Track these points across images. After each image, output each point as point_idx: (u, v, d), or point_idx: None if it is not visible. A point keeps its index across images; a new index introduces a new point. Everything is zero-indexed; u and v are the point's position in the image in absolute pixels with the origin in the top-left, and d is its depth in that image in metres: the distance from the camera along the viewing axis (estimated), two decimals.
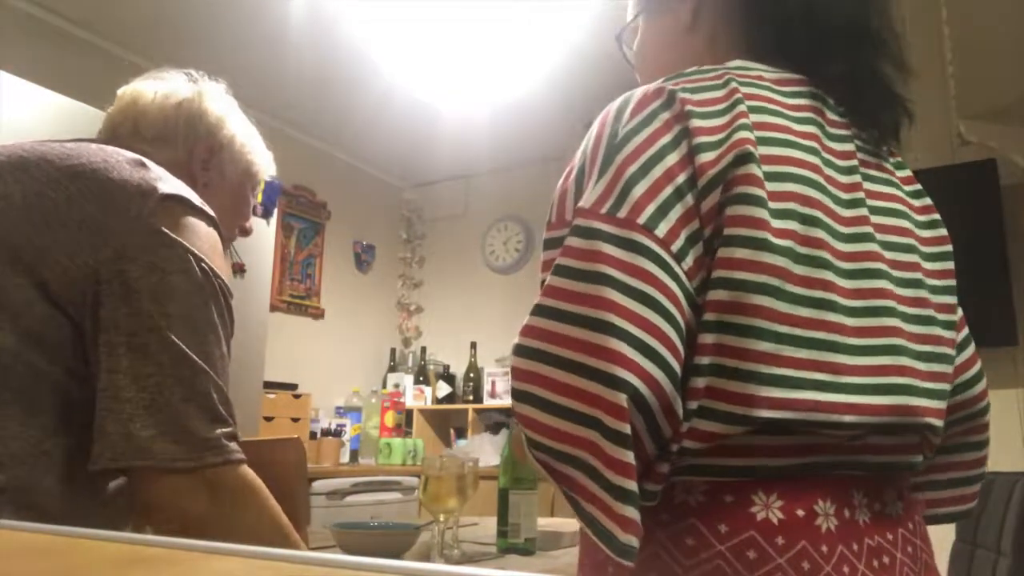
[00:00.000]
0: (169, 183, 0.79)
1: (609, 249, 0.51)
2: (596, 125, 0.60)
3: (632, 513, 0.47)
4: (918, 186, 0.68)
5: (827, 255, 0.54)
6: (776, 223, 0.52)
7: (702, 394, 0.51)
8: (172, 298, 0.73)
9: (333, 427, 3.31)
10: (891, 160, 0.66)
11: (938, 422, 0.58)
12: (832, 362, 0.53)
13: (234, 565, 0.27)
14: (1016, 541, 1.42)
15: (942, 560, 1.74)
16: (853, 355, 0.54)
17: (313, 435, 3.24)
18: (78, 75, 2.68)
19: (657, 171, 0.53)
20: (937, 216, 0.68)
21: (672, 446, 0.51)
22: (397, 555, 1.14)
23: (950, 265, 0.65)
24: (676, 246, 0.52)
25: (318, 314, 3.80)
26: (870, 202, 0.60)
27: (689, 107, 0.56)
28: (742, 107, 0.56)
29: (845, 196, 0.58)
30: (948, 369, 0.60)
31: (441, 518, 1.15)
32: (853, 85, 0.63)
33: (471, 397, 3.78)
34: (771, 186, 0.53)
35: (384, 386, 3.88)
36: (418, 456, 3.35)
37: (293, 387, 3.24)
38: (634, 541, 0.47)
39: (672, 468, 0.52)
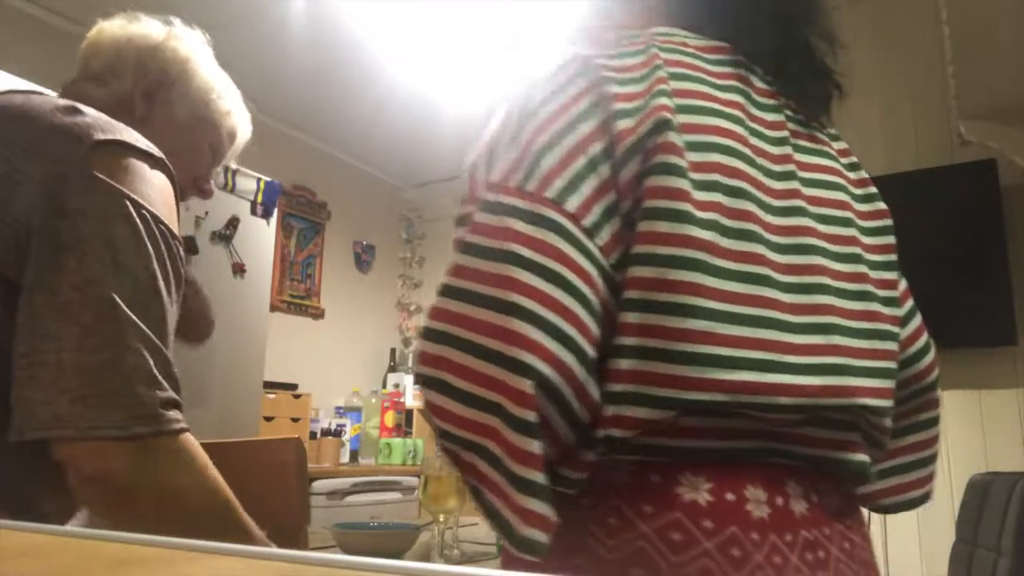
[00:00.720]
0: (105, 128, 0.72)
1: (517, 225, 0.48)
2: (509, 94, 0.57)
3: (536, 505, 0.45)
4: (854, 159, 0.65)
5: (758, 228, 0.51)
6: (699, 195, 0.50)
7: (627, 377, 0.48)
8: (105, 249, 0.66)
9: (333, 427, 3.31)
10: (827, 131, 0.64)
11: (878, 402, 0.55)
12: (768, 339, 0.49)
13: (234, 565, 0.27)
14: (1016, 541, 1.42)
15: (942, 560, 1.74)
16: (793, 333, 0.51)
17: (313, 435, 3.24)
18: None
19: (569, 141, 0.51)
20: (874, 190, 0.65)
21: (597, 432, 0.49)
22: (397, 555, 1.14)
23: (890, 239, 0.63)
24: (589, 220, 0.49)
25: (318, 314, 3.80)
26: (803, 174, 0.57)
27: (606, 73, 0.53)
28: (661, 72, 0.53)
29: (775, 168, 0.55)
30: (890, 346, 0.58)
31: (441, 518, 1.14)
32: (781, 55, 0.61)
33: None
34: (693, 156, 0.51)
35: (384, 386, 3.87)
36: (418, 456, 3.35)
37: (293, 387, 3.23)
38: (537, 535, 0.44)
39: (599, 456, 0.50)
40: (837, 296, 0.55)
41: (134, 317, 0.66)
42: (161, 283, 0.70)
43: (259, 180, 2.74)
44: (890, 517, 2.34)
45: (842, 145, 0.65)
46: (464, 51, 2.96)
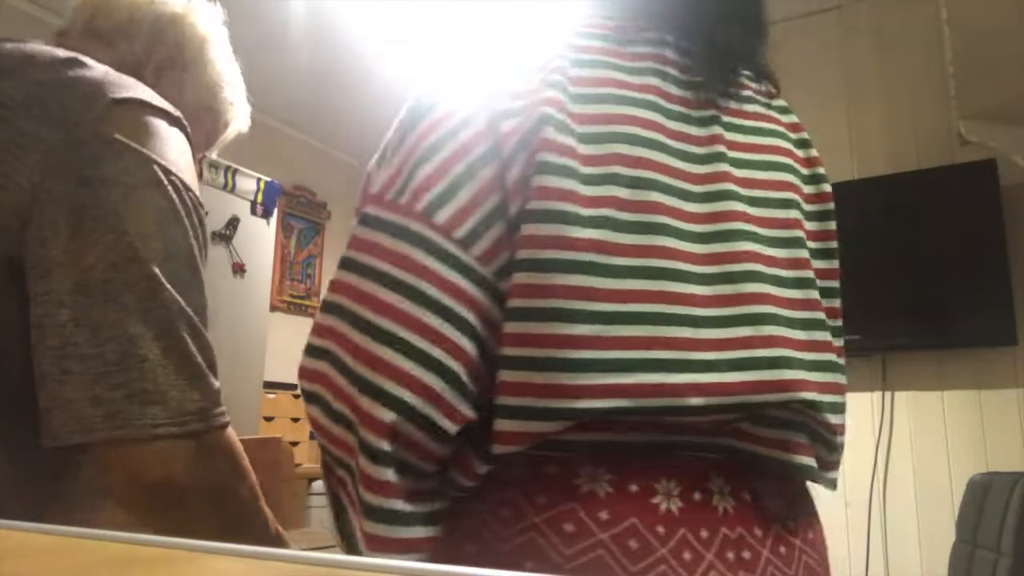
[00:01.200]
0: (118, 84, 0.64)
1: (384, 240, 0.47)
2: (409, 101, 0.56)
3: (385, 531, 0.44)
4: (804, 135, 0.61)
5: (666, 219, 0.48)
6: (589, 190, 0.47)
7: (512, 390, 0.45)
8: (137, 222, 0.58)
9: None
10: (774, 105, 0.60)
11: (822, 397, 0.51)
12: (676, 337, 0.46)
13: (234, 565, 0.27)
14: (1016, 541, 1.42)
15: (942, 560, 1.74)
16: (704, 327, 0.47)
17: (313, 435, 3.23)
18: None
19: (447, 149, 0.49)
20: (822, 171, 0.61)
21: (488, 447, 0.47)
22: None
23: (832, 225, 0.60)
24: (462, 231, 0.46)
25: None
26: (733, 154, 0.53)
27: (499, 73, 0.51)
28: (559, 62, 0.50)
29: (699, 150, 0.52)
30: (829, 338, 0.54)
31: None
32: (703, 26, 0.56)
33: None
34: (588, 149, 0.48)
35: None
36: None
37: (293, 387, 3.23)
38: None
39: (490, 467, 0.48)
40: (772, 284, 0.51)
41: (179, 298, 0.59)
42: (198, 258, 0.64)
43: (259, 180, 2.74)
44: (890, 517, 2.34)
45: (792, 119, 0.61)
46: (464, 51, 2.96)
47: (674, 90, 0.53)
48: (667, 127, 0.51)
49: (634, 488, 0.47)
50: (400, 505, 0.45)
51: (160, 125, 0.65)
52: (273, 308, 3.32)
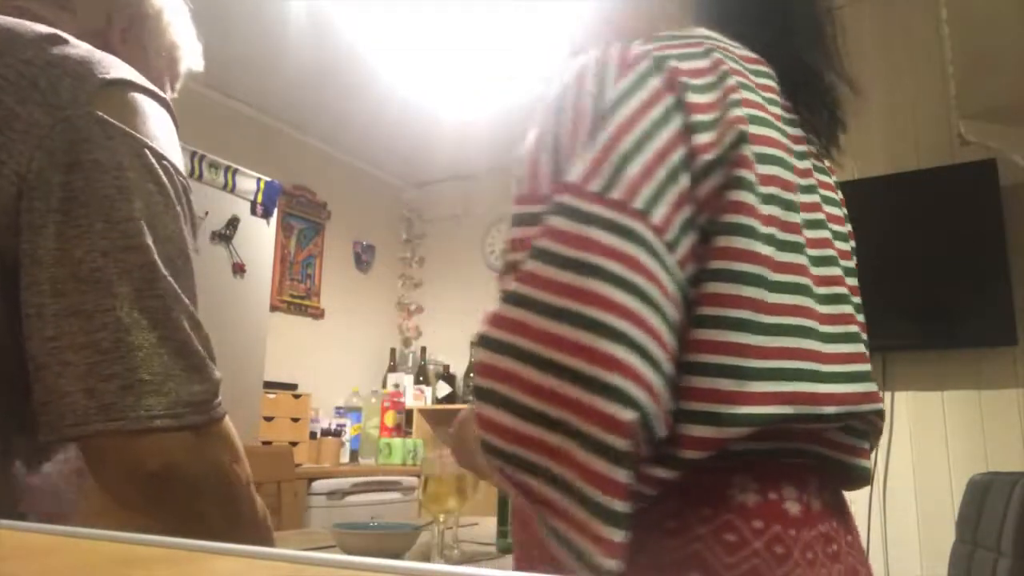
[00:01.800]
0: (104, 64, 0.62)
1: (602, 236, 0.45)
2: (571, 83, 0.53)
3: (617, 536, 0.43)
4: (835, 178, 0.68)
5: (801, 239, 0.53)
6: (763, 208, 0.50)
7: (704, 396, 0.48)
8: (130, 208, 0.57)
9: (333, 427, 3.31)
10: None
11: (881, 406, 0.59)
12: (813, 350, 0.51)
13: (234, 565, 0.27)
14: (1016, 541, 1.42)
15: (942, 560, 1.74)
16: (828, 343, 0.52)
17: (313, 435, 3.24)
18: None
19: (651, 148, 0.48)
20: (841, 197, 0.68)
21: (678, 453, 0.48)
22: (397, 555, 1.14)
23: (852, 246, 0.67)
24: (670, 235, 0.47)
25: (318, 314, 3.80)
26: (821, 191, 0.59)
27: (682, 78, 0.51)
28: (731, 81, 0.52)
29: (803, 182, 0.56)
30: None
31: (441, 518, 1.14)
32: (802, 74, 0.61)
33: (471, 397, 3.77)
34: (760, 169, 0.51)
35: (384, 386, 3.87)
36: (418, 456, 3.35)
37: (293, 387, 3.24)
38: (615, 565, 0.43)
39: (675, 474, 0.49)
40: (853, 308, 0.57)
41: (175, 286, 0.58)
42: (189, 244, 0.62)
43: (259, 180, 2.74)
44: (890, 517, 2.34)
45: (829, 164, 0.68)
46: (464, 51, 2.96)
47: (785, 125, 0.56)
48: (791, 155, 0.55)
49: (772, 496, 0.51)
50: (628, 508, 0.44)
51: (149, 106, 0.64)
52: (273, 308, 3.32)
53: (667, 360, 0.46)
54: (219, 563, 0.27)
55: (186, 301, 0.59)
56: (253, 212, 2.71)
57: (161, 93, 0.67)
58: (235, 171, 2.65)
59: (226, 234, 2.58)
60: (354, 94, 3.33)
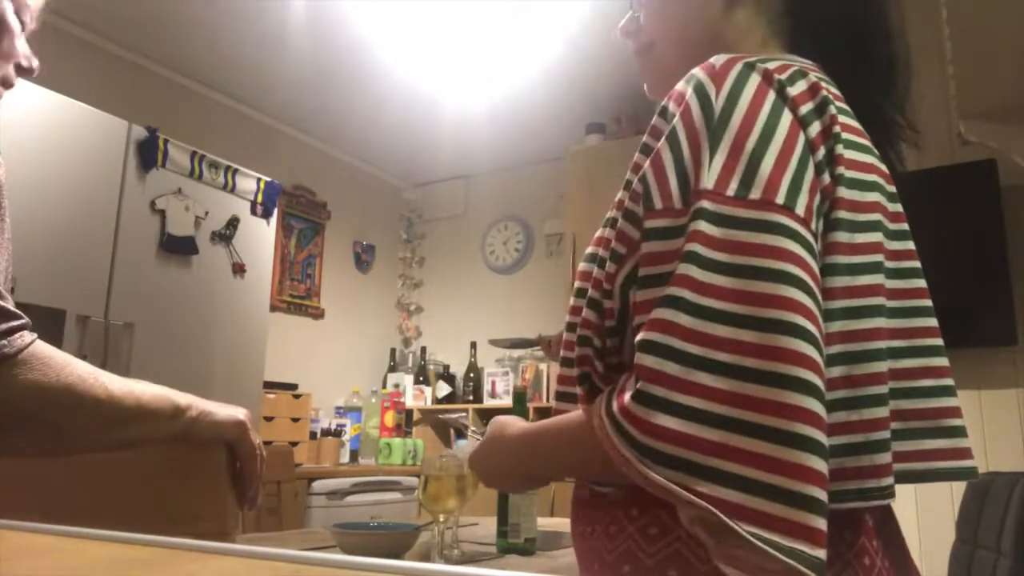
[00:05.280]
0: None
1: (751, 237, 0.46)
2: (674, 105, 0.54)
3: (823, 524, 0.42)
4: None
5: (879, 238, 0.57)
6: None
7: (839, 384, 0.50)
8: None
9: (333, 427, 3.31)
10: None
11: None
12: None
13: (234, 565, 0.27)
14: (1016, 541, 1.41)
15: (942, 560, 1.74)
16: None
17: (313, 435, 3.24)
18: (78, 75, 2.67)
19: (778, 138, 0.49)
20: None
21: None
22: (397, 555, 1.14)
23: None
24: (813, 225, 0.49)
25: (318, 314, 3.80)
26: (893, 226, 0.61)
27: (776, 76, 0.52)
28: (814, 78, 0.55)
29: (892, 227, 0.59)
30: None
31: (441, 518, 1.14)
32: (869, 114, 0.62)
33: (471, 397, 3.78)
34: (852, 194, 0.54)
35: (384, 386, 3.88)
36: (418, 456, 3.35)
37: (293, 387, 3.24)
38: (824, 554, 0.42)
39: None
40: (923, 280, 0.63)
41: None
42: None
43: (259, 180, 2.74)
44: None
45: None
46: (464, 51, 2.96)
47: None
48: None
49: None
50: (825, 496, 0.44)
51: None
52: (273, 308, 3.32)
53: (824, 348, 0.47)
54: (219, 563, 0.27)
55: None
56: (253, 212, 2.71)
57: None
58: (235, 171, 2.65)
59: (226, 234, 2.58)
60: (354, 94, 3.33)
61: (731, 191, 0.48)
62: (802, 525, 0.41)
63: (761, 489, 0.42)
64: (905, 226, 0.60)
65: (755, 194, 0.47)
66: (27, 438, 0.68)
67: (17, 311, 0.67)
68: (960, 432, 0.57)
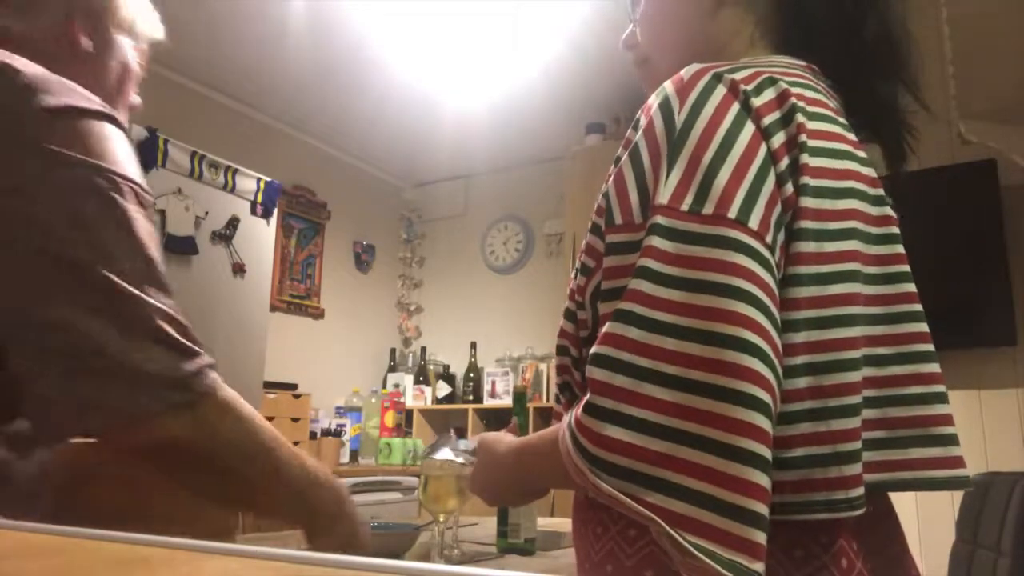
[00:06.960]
0: (47, 89, 0.62)
1: (701, 252, 0.46)
2: (643, 117, 0.55)
3: (761, 538, 0.43)
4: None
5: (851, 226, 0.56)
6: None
7: (806, 395, 0.49)
8: (81, 225, 0.60)
9: (333, 427, 3.31)
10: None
11: None
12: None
13: (234, 565, 0.27)
14: (1016, 541, 1.42)
15: (942, 560, 1.74)
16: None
17: (313, 435, 3.24)
18: None
19: (736, 151, 0.49)
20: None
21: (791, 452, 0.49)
22: (397, 555, 1.14)
23: None
24: (770, 236, 0.48)
25: (318, 314, 3.80)
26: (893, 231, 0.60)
27: (742, 86, 0.52)
28: (784, 85, 0.54)
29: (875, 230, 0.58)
30: None
31: (441, 518, 1.14)
32: (875, 107, 0.62)
33: (471, 397, 3.78)
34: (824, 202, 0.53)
35: (384, 386, 3.88)
36: (418, 456, 3.35)
37: (293, 387, 3.24)
38: (761, 567, 0.42)
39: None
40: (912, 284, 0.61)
41: (138, 292, 0.61)
42: (147, 241, 0.65)
43: (259, 180, 2.74)
44: None
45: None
46: (464, 51, 2.96)
47: (861, 165, 0.58)
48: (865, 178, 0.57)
49: None
50: (765, 510, 0.44)
51: (91, 126, 0.64)
52: (273, 308, 3.32)
53: (779, 364, 0.46)
54: (220, 563, 0.27)
55: (146, 299, 0.63)
56: (253, 212, 2.71)
57: (100, 107, 0.66)
58: (235, 171, 2.65)
59: (226, 234, 2.58)
60: (354, 93, 3.33)
61: (685, 206, 0.48)
62: (741, 538, 0.42)
63: (703, 500, 0.43)
64: (893, 229, 0.58)
65: (708, 208, 0.47)
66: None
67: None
68: (951, 440, 0.55)
